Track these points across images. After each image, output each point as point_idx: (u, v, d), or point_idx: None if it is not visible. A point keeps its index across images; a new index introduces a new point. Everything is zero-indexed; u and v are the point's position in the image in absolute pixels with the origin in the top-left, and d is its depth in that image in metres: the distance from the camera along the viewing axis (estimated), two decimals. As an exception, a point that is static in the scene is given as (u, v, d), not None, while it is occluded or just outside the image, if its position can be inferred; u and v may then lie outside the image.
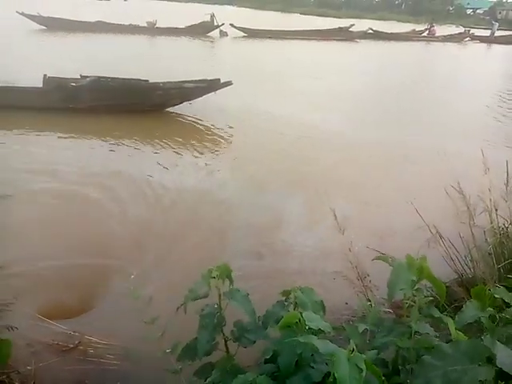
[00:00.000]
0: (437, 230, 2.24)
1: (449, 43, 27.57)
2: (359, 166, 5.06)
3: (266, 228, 3.47)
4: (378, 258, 1.54)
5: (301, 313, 1.42)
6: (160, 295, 2.48)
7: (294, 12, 64.50)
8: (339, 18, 48.80)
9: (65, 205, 3.71)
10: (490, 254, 2.35)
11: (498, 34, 31.88)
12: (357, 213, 3.65)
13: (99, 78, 6.45)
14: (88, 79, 6.41)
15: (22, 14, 17.88)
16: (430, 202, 2.45)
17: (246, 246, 3.22)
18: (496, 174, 2.60)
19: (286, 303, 1.74)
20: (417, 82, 12.32)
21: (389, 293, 1.43)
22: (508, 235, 2.45)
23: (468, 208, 2.15)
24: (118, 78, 6.57)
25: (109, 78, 6.52)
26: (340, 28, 24.50)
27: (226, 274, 1.65)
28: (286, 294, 1.77)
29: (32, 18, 18.13)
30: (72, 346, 2.09)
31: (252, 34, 22.30)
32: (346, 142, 6.03)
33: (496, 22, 36.44)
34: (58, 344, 2.10)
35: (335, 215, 2.02)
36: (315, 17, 50.61)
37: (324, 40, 22.63)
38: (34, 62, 9.74)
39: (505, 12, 69.33)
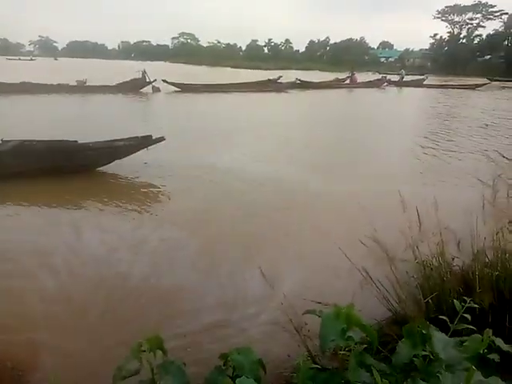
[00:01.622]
0: (367, 272, 2.33)
1: (370, 89, 30.12)
2: (287, 216, 5.12)
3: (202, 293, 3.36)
4: (307, 312, 1.56)
5: (235, 379, 1.38)
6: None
7: (225, 66, 67.73)
8: (268, 69, 52.00)
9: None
10: (417, 288, 2.47)
11: (408, 78, 35.63)
12: (289, 265, 3.68)
13: (23, 141, 6.19)
14: (10, 144, 6.11)
15: None
16: (358, 246, 2.55)
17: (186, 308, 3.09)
18: (421, 211, 2.76)
19: (223, 367, 1.69)
20: (348, 127, 13.21)
21: (321, 345, 1.44)
22: (432, 269, 2.60)
23: (386, 253, 2.26)
24: (44, 140, 6.35)
25: (34, 140, 6.28)
26: (269, 80, 25.92)
27: (157, 345, 1.58)
28: (224, 357, 1.72)
29: (-50, 81, 17.31)
30: None
31: (185, 88, 22.87)
32: (287, 192, 6.07)
33: (402, 69, 41.44)
34: None
35: (263, 273, 2.04)
36: (245, 70, 53.34)
37: (255, 92, 23.73)
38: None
39: (412, 60, 79.07)
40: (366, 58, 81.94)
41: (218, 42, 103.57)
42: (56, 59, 78.52)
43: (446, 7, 74.21)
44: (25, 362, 2.48)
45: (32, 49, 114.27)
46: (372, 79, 33.98)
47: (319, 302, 2.23)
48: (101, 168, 6.66)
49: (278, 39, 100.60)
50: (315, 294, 2.38)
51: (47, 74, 25.08)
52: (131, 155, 6.65)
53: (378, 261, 2.41)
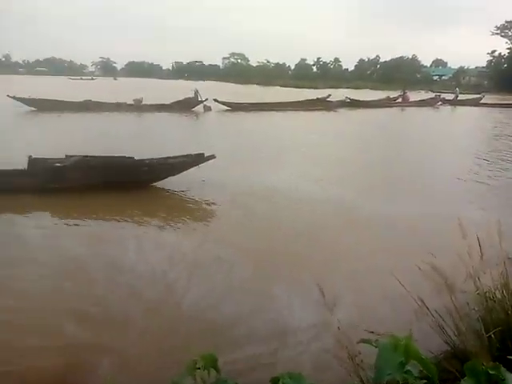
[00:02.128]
0: (422, 300, 2.24)
1: (423, 108, 29.21)
2: (347, 238, 5.02)
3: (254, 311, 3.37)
4: (362, 342, 1.52)
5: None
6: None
7: (274, 85, 68.66)
8: (316, 88, 52.01)
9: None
10: (478, 321, 2.33)
11: (463, 97, 34.23)
12: (346, 289, 3.59)
13: (84, 157, 6.60)
14: (73, 159, 6.54)
15: (14, 97, 18.64)
16: (412, 273, 2.45)
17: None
18: (482, 238, 2.63)
19: (274, 392, 1.67)
20: (400, 147, 12.86)
21: (375, 378, 1.39)
22: (495, 301, 2.45)
23: (445, 281, 2.16)
24: (103, 156, 6.73)
25: (94, 156, 6.68)
26: (318, 98, 25.94)
27: (211, 364, 1.60)
28: (275, 381, 1.71)
29: (22, 100, 18.91)
30: None
31: (235, 107, 23.38)
32: (336, 213, 6.02)
33: (457, 87, 40.05)
34: None
35: (323, 293, 2.01)
36: (294, 88, 53.78)
37: (304, 110, 23.80)
38: (20, 145, 9.96)
39: (467, 78, 76.22)
40: (418, 76, 79.88)
41: (268, 62, 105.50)
42: (115, 79, 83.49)
43: (506, 22, 70.94)
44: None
45: (94, 69, 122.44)
46: (425, 98, 32.97)
47: (372, 332, 2.16)
48: (155, 183, 6.93)
49: (327, 58, 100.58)
50: (367, 321, 2.31)
51: (107, 93, 26.65)
52: (184, 172, 6.87)
53: (434, 289, 2.31)
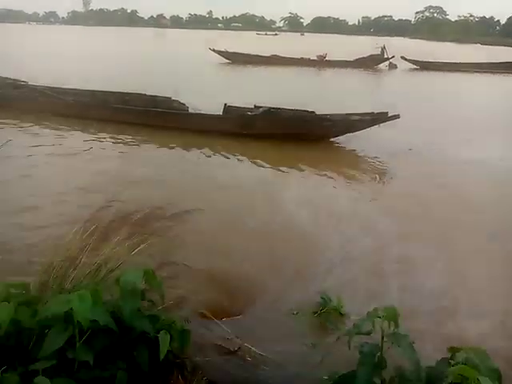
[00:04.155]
0: None
1: None
2: None
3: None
4: None
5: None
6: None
7: (474, 42, 59.56)
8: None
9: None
10: None
11: None
12: None
13: (270, 108, 7.02)
14: (261, 109, 7.03)
15: (213, 50, 21.12)
16: None
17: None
18: None
19: (451, 361, 1.61)
20: None
21: None
22: None
23: None
24: (287, 109, 7.05)
25: (279, 108, 7.05)
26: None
27: (392, 317, 1.62)
28: (455, 351, 1.64)
29: (220, 53, 21.26)
30: (232, 350, 2.29)
31: (423, 66, 21.44)
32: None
33: None
34: (220, 345, 2.32)
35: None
36: (500, 47, 45.57)
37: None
38: (216, 91, 11.19)
39: None
40: None
41: (471, 16, 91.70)
42: (302, 34, 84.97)
43: None
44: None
45: (282, 25, 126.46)
46: None
47: None
48: (333, 139, 6.99)
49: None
50: None
51: (292, 48, 27.37)
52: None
53: None
